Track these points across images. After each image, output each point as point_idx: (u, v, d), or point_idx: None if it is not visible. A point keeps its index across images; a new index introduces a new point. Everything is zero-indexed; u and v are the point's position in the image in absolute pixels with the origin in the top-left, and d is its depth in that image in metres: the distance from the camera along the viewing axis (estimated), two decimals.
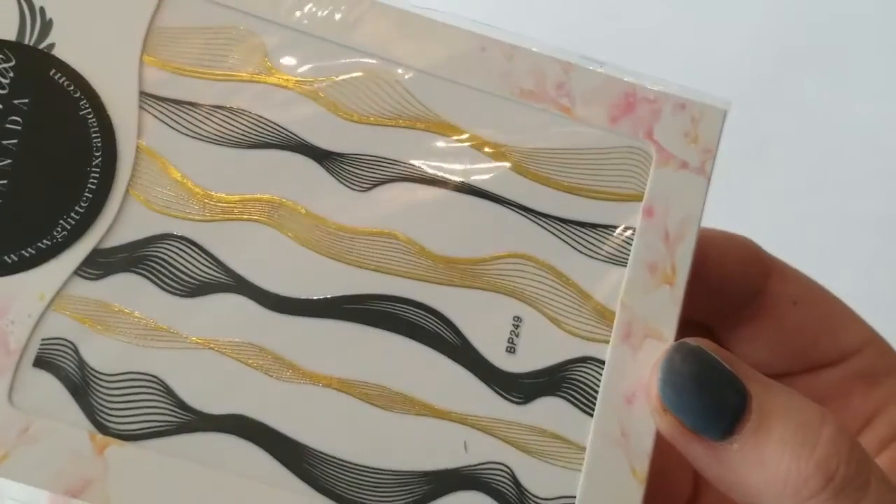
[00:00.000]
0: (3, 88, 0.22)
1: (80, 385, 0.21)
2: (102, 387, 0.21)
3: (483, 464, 0.22)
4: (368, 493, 0.22)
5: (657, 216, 0.24)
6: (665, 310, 0.23)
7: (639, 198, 0.24)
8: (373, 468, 0.22)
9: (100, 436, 0.21)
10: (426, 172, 0.23)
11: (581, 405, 0.23)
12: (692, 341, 0.22)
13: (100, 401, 0.21)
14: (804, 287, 0.27)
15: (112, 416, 0.21)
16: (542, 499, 0.22)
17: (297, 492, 0.21)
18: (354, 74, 0.23)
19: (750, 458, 0.21)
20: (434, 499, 0.22)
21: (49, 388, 0.21)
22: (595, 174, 0.24)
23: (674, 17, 0.47)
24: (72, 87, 0.22)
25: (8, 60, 0.22)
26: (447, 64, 0.24)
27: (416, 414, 0.22)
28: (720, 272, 0.26)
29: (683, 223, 0.23)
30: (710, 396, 0.21)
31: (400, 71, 0.24)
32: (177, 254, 0.22)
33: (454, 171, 0.23)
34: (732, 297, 0.27)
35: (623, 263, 0.23)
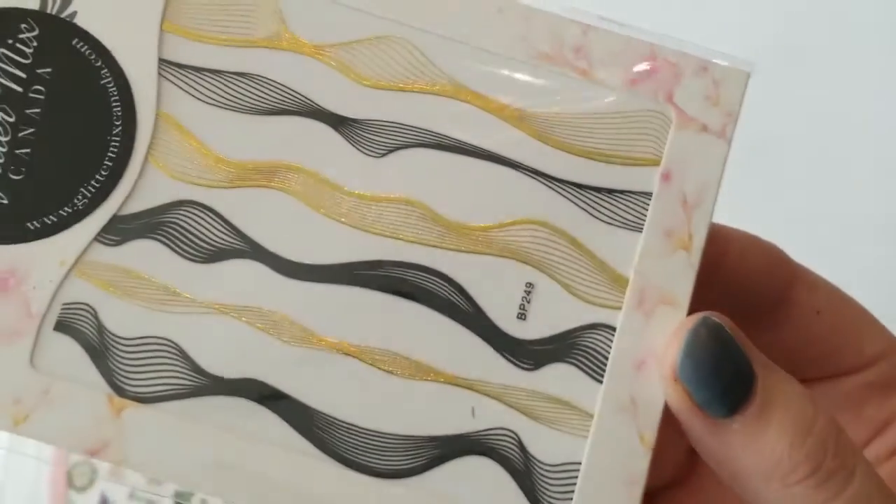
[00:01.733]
0: (27, 58, 0.23)
1: (99, 348, 0.22)
2: (120, 350, 0.22)
3: (490, 429, 0.22)
4: (376, 456, 0.22)
5: (675, 180, 0.23)
6: (680, 276, 0.23)
7: (656, 162, 0.24)
8: (381, 432, 0.22)
9: (117, 398, 0.22)
10: (441, 137, 0.23)
11: (590, 372, 0.23)
12: (714, 317, 0.22)
13: (118, 364, 0.22)
14: (829, 296, 0.27)
15: (129, 378, 0.22)
16: (547, 465, 0.22)
17: (307, 454, 0.22)
18: (370, 38, 0.24)
19: (747, 438, 0.21)
20: (440, 463, 0.22)
21: (69, 351, 0.22)
22: (613, 139, 0.24)
23: (674, 16, 0.47)
24: (93, 56, 0.23)
25: (31, 30, 0.23)
26: (463, 26, 0.24)
27: (424, 380, 0.22)
28: (743, 279, 0.27)
29: (702, 188, 0.23)
30: (723, 375, 0.21)
31: (415, 34, 0.24)
32: (193, 220, 0.23)
33: (469, 136, 0.24)
34: (755, 304, 0.27)
35: (639, 229, 0.23)
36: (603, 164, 0.24)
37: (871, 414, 0.27)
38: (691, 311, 0.23)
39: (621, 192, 0.24)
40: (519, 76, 0.24)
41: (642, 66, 0.24)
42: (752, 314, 0.27)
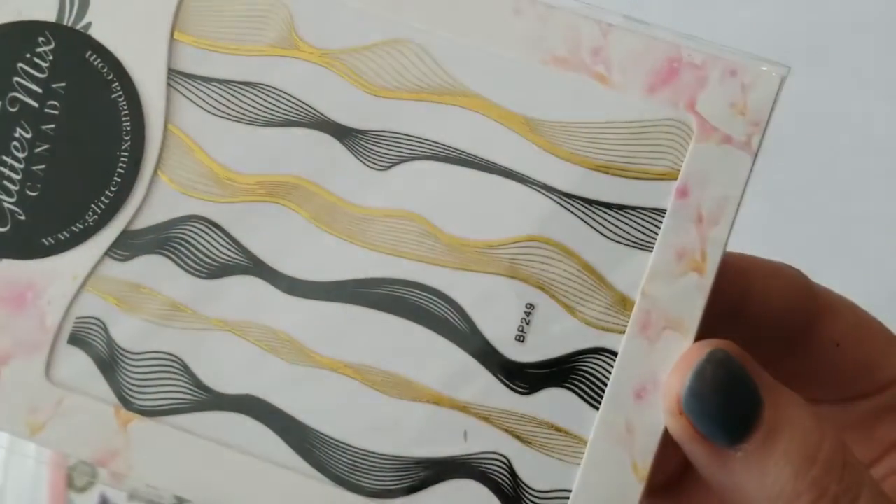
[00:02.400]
0: (43, 72, 0.24)
1: (109, 362, 0.23)
2: (128, 364, 0.23)
3: (481, 453, 0.22)
4: (367, 476, 0.22)
5: (691, 196, 0.22)
6: (689, 300, 0.22)
7: (673, 176, 0.22)
8: (372, 452, 0.22)
9: (124, 411, 0.23)
10: (448, 149, 0.23)
11: (588, 398, 0.22)
12: (721, 348, 0.21)
13: (125, 377, 0.23)
14: (850, 325, 0.27)
15: (135, 392, 0.23)
16: (537, 491, 0.22)
17: (300, 472, 0.22)
18: (379, 42, 0.23)
19: (752, 467, 0.20)
20: (430, 485, 0.22)
21: (81, 364, 0.23)
22: (627, 150, 0.23)
23: (674, 16, 0.46)
24: (105, 69, 0.23)
25: (48, 43, 0.24)
26: (477, 30, 0.23)
27: (418, 400, 0.22)
28: (766, 314, 0.26)
29: (720, 204, 0.22)
30: (730, 407, 0.21)
31: (426, 37, 0.23)
32: (199, 235, 0.23)
33: (477, 147, 0.23)
34: (776, 336, 0.26)
35: (649, 248, 0.22)
36: (615, 177, 0.23)
37: (882, 435, 0.27)
38: (699, 338, 0.21)
39: (633, 207, 0.22)
40: (532, 83, 0.23)
41: (664, 69, 0.22)
42: (772, 345, 0.26)
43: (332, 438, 0.22)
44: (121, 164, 0.23)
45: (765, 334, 0.26)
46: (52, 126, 0.23)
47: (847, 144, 0.45)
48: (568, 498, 0.22)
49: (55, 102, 0.23)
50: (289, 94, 0.23)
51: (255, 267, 0.23)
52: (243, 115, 0.23)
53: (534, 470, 0.22)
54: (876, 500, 0.21)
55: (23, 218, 0.23)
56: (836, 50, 0.46)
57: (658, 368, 0.21)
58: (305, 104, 0.23)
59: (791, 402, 0.21)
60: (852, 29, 0.47)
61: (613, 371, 0.22)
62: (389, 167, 0.23)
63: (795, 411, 0.21)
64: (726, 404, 0.21)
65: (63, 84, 0.24)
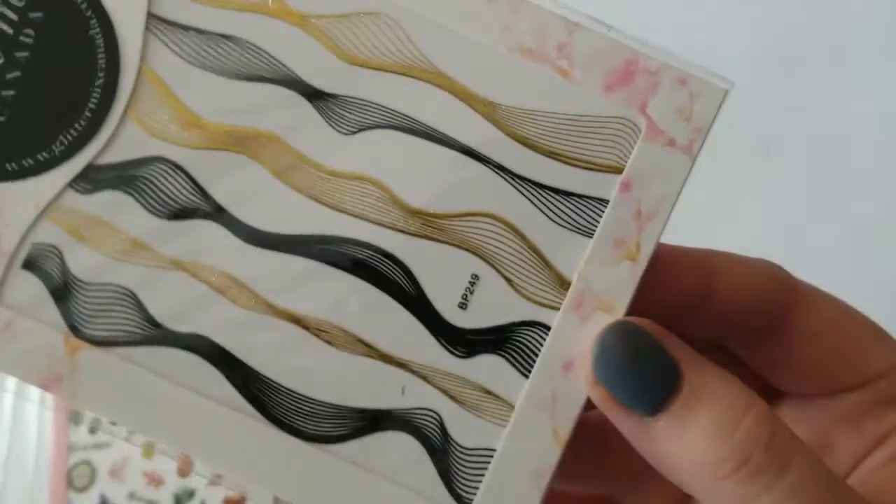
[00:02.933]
0: (20, 1, 0.24)
1: (62, 290, 0.24)
2: (81, 294, 0.24)
3: (416, 409, 0.24)
4: (306, 421, 0.23)
5: (633, 191, 0.24)
6: (621, 285, 0.23)
7: (619, 170, 0.24)
8: (314, 399, 0.24)
9: (73, 338, 0.23)
10: (412, 122, 0.24)
11: (519, 366, 0.24)
12: (632, 320, 0.22)
13: (77, 306, 0.24)
14: (830, 317, 0.27)
15: (86, 321, 0.24)
16: (464, 448, 0.24)
17: (241, 411, 0.23)
18: (357, 13, 0.24)
19: (673, 435, 0.22)
20: (364, 434, 0.23)
21: (34, 289, 0.24)
22: (580, 142, 0.24)
23: (674, 15, 0.47)
24: (84, 6, 0.24)
25: None
26: (451, 11, 0.24)
27: (362, 354, 0.24)
28: (735, 309, 0.26)
29: (658, 201, 0.24)
30: (640, 375, 0.22)
31: (403, 14, 0.24)
32: (163, 176, 0.24)
33: (440, 123, 0.24)
34: (750, 329, 0.27)
35: (590, 235, 0.24)
36: (566, 165, 0.24)
37: (869, 428, 0.27)
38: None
39: (579, 196, 0.24)
40: (498, 68, 0.24)
41: (621, 71, 0.24)
42: (748, 336, 0.27)
43: (275, 382, 0.24)
44: (92, 100, 0.24)
45: (737, 325, 0.27)
46: (26, 55, 0.24)
47: (847, 144, 0.45)
48: (492, 456, 0.23)
49: (30, 31, 0.24)
50: (265, 52, 0.24)
51: (216, 213, 0.24)
52: (218, 66, 0.24)
53: (463, 428, 0.24)
54: (809, 472, 0.21)
55: None
56: (838, 50, 0.47)
57: (585, 344, 0.23)
58: (280, 63, 0.24)
59: (714, 374, 0.22)
60: (853, 29, 0.47)
61: (545, 344, 0.24)
62: (355, 132, 0.24)
63: (718, 381, 0.22)
64: (637, 373, 0.22)
65: (40, 14, 0.24)
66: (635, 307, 0.24)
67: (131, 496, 0.45)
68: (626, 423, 0.22)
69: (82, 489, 0.45)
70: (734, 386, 0.22)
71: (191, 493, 0.46)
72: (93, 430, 0.47)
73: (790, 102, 0.46)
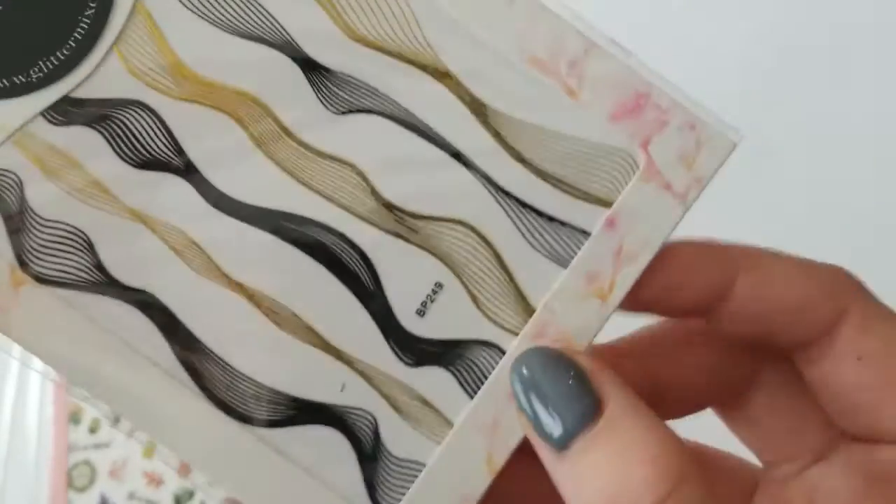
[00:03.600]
0: None
1: (16, 220, 0.23)
2: (35, 228, 0.23)
3: (353, 408, 0.23)
4: (238, 399, 0.23)
5: (618, 229, 0.23)
6: (586, 323, 0.23)
7: (608, 204, 0.23)
8: (250, 378, 0.23)
9: (19, 272, 0.23)
10: (405, 112, 0.23)
11: (466, 385, 0.23)
12: (543, 347, 0.22)
13: (29, 240, 0.23)
14: (881, 341, 0.24)
15: (35, 257, 0.23)
16: (394, 457, 0.23)
17: (173, 376, 0.23)
18: None
19: (574, 468, 0.21)
20: (294, 424, 0.23)
21: None
22: (573, 167, 0.23)
23: (674, 15, 0.47)
24: None
25: None
26: (469, 8, 0.23)
27: (308, 342, 0.23)
28: (756, 310, 0.24)
29: (642, 243, 0.23)
30: (544, 407, 0.22)
31: (415, 0, 0.23)
32: (140, 123, 0.23)
33: (433, 120, 0.23)
34: (786, 339, 0.25)
35: (565, 265, 0.23)
36: (554, 188, 0.23)
37: None
38: None
39: (562, 222, 0.23)
40: (503, 73, 0.23)
41: (630, 102, 0.23)
42: (793, 350, 0.25)
43: (215, 354, 0.23)
44: (79, 29, 0.23)
45: (771, 332, 0.24)
46: None
47: (847, 144, 0.45)
48: (421, 471, 0.23)
49: None
50: (268, 12, 0.23)
51: (187, 170, 0.23)
52: (217, 17, 0.23)
53: (397, 437, 0.23)
54: None
55: None
56: (837, 50, 0.46)
57: None
58: (282, 27, 0.23)
59: (635, 415, 0.21)
60: (853, 29, 0.47)
61: (497, 367, 0.23)
62: (345, 113, 0.23)
63: (633, 423, 0.21)
64: (539, 403, 0.22)
65: None
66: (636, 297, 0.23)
67: (131, 496, 0.45)
68: (542, 453, 0.22)
69: (82, 489, 0.45)
70: (650, 431, 0.21)
71: (191, 494, 0.46)
72: (93, 430, 0.47)
73: (790, 102, 0.46)
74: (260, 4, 0.23)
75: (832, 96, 0.46)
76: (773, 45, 0.47)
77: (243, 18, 0.23)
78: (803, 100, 0.46)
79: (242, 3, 0.23)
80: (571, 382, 0.21)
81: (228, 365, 0.23)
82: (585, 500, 0.21)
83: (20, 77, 0.23)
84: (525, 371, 0.22)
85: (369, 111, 0.23)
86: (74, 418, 0.47)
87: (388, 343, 0.23)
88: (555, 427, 0.21)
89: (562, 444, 0.21)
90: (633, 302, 0.24)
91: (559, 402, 0.21)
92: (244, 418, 0.23)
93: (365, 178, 0.23)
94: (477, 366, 0.23)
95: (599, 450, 0.21)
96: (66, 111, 0.23)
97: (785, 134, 0.45)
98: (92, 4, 0.23)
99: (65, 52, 0.23)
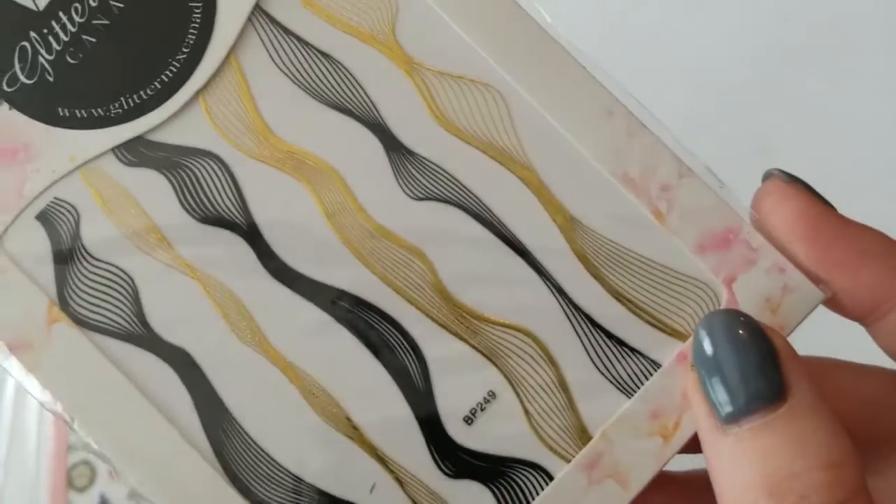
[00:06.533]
0: None
1: (65, 254, 0.23)
2: (83, 265, 0.23)
3: None
4: (259, 481, 0.22)
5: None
6: (644, 461, 0.22)
7: (683, 337, 0.23)
8: (277, 463, 0.22)
9: (57, 309, 0.22)
10: (484, 209, 0.23)
11: None
12: (746, 315, 0.21)
13: (73, 277, 0.23)
14: None
15: (76, 296, 0.23)
16: None
17: (196, 447, 0.22)
18: (469, 78, 0.23)
19: (739, 449, 0.20)
20: None
21: (38, 244, 0.23)
22: (651, 293, 0.23)
23: (674, 15, 0.47)
24: None
25: None
26: (565, 110, 0.23)
27: (344, 434, 0.22)
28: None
29: None
30: (723, 375, 0.21)
31: (514, 94, 0.23)
32: (210, 175, 0.23)
33: (512, 221, 0.23)
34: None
35: (629, 394, 0.22)
36: (628, 311, 0.23)
37: None
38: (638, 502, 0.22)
39: (632, 349, 0.23)
40: (592, 186, 0.23)
41: (720, 235, 0.23)
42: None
43: (243, 430, 0.22)
44: (167, 72, 0.23)
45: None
46: (119, 5, 0.23)
47: (847, 144, 0.46)
48: None
49: None
50: (360, 84, 0.23)
51: (250, 232, 0.23)
52: (307, 82, 0.23)
53: None
54: None
55: (51, 79, 0.23)
56: (836, 50, 0.47)
57: None
58: (371, 101, 0.23)
59: (819, 411, 0.20)
60: (852, 29, 0.48)
61: (542, 494, 0.22)
62: (421, 199, 0.23)
63: (817, 420, 0.20)
64: (722, 369, 0.21)
65: None
66: None
67: (131, 496, 0.45)
68: (701, 416, 0.21)
69: (82, 489, 0.44)
70: (834, 436, 0.20)
71: None
72: None
73: (790, 102, 0.46)
74: (355, 78, 0.23)
75: (832, 96, 0.47)
76: (772, 45, 0.48)
77: (334, 88, 0.23)
78: (803, 100, 0.47)
79: (337, 72, 0.23)
80: (762, 359, 0.20)
81: (255, 443, 0.22)
82: (744, 482, 0.20)
83: (99, 110, 0.23)
84: (713, 332, 0.21)
85: (446, 201, 0.23)
86: None
87: (429, 448, 0.22)
88: (729, 399, 0.20)
89: (731, 419, 0.20)
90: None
91: (743, 375, 0.20)
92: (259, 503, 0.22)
93: (432, 269, 0.23)
94: (520, 487, 0.22)
95: (775, 437, 0.20)
96: (139, 152, 0.23)
97: (785, 134, 0.45)
98: (185, 49, 0.23)
99: (148, 91, 0.23)
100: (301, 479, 0.22)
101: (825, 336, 0.26)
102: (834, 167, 0.43)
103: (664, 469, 0.22)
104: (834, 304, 0.23)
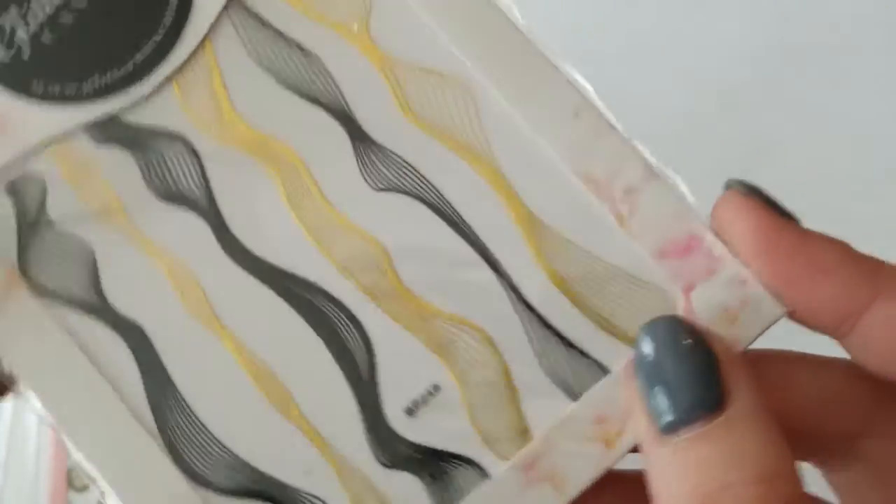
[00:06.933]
0: None
1: (30, 225, 0.23)
2: (46, 235, 0.23)
3: (312, 495, 0.22)
4: (199, 457, 0.22)
5: None
6: (583, 466, 0.22)
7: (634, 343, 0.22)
8: (218, 441, 0.22)
9: (16, 275, 0.23)
10: (444, 203, 0.23)
11: (437, 501, 0.22)
12: (688, 320, 0.21)
13: (36, 246, 0.23)
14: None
15: (37, 264, 0.23)
16: None
17: (140, 420, 0.22)
18: (438, 71, 0.24)
19: (677, 457, 0.20)
20: (248, 497, 0.22)
21: (4, 213, 0.23)
22: (606, 296, 0.23)
23: (674, 15, 0.47)
24: None
25: None
26: (533, 112, 0.23)
27: (285, 415, 0.22)
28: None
29: None
30: (663, 383, 0.20)
31: (482, 89, 0.23)
32: (177, 156, 0.24)
33: (471, 216, 0.23)
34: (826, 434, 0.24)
35: (574, 399, 0.22)
36: (581, 314, 0.23)
37: None
38: None
39: (581, 352, 0.23)
40: (554, 186, 0.23)
41: (681, 243, 0.23)
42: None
43: (189, 407, 0.22)
44: (141, 53, 0.24)
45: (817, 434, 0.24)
46: None
47: (847, 144, 0.45)
48: None
49: None
50: (332, 77, 0.24)
51: (210, 212, 0.23)
52: (279, 72, 0.24)
53: None
54: None
55: (25, 56, 0.24)
56: (836, 50, 0.47)
57: None
58: (341, 93, 0.24)
59: (757, 421, 0.20)
60: (852, 29, 0.47)
61: (474, 491, 0.22)
62: (382, 190, 0.23)
63: (755, 432, 0.20)
64: (660, 377, 0.20)
65: None
66: None
67: None
68: (642, 427, 0.21)
69: (82, 489, 0.45)
70: (769, 446, 0.20)
71: None
72: None
73: (790, 102, 0.46)
74: (327, 70, 0.24)
75: (833, 96, 0.47)
76: (772, 45, 0.48)
77: (306, 79, 0.24)
78: (803, 100, 0.47)
79: (310, 64, 0.24)
80: (703, 367, 0.20)
81: (199, 420, 0.22)
82: (679, 492, 0.20)
83: (72, 87, 0.24)
84: (655, 339, 0.21)
85: (406, 193, 0.23)
86: None
87: (369, 436, 0.22)
88: (668, 408, 0.20)
89: (670, 429, 0.20)
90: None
91: (682, 383, 0.20)
92: (199, 478, 0.22)
93: (387, 260, 0.23)
94: (453, 483, 0.22)
95: (711, 448, 0.20)
96: (109, 130, 0.24)
97: (785, 134, 0.45)
98: (160, 31, 0.24)
99: (121, 71, 0.24)
100: (239, 458, 0.22)
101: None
102: (834, 167, 0.44)
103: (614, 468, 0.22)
104: (797, 318, 0.23)
